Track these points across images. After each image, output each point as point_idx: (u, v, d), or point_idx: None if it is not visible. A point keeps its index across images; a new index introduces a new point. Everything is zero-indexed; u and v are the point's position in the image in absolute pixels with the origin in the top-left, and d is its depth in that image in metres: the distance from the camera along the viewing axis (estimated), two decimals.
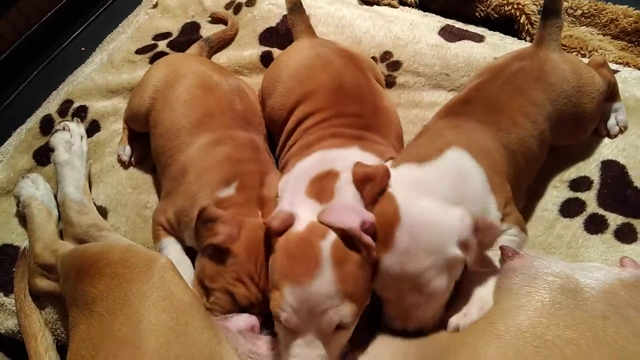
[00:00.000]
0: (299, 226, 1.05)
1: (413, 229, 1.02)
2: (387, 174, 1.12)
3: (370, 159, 1.23)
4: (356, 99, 1.39)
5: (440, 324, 1.08)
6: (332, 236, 1.02)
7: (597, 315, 0.88)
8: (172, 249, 1.34)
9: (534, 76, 1.34)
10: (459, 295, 1.11)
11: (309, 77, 1.44)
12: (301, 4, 1.74)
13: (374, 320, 1.15)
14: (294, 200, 1.14)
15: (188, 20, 2.08)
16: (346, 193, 1.12)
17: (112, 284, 1.01)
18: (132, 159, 1.65)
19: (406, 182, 1.11)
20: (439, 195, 1.07)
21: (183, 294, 1.03)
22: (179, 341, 0.93)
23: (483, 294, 1.06)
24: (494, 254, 1.12)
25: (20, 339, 1.34)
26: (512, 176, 1.24)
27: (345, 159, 1.21)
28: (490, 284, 1.08)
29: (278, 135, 1.50)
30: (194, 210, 1.23)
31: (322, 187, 1.14)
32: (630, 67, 1.78)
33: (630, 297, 0.90)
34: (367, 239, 1.02)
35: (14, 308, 1.37)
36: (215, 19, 2.05)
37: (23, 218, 1.51)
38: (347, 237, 1.02)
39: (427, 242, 1.01)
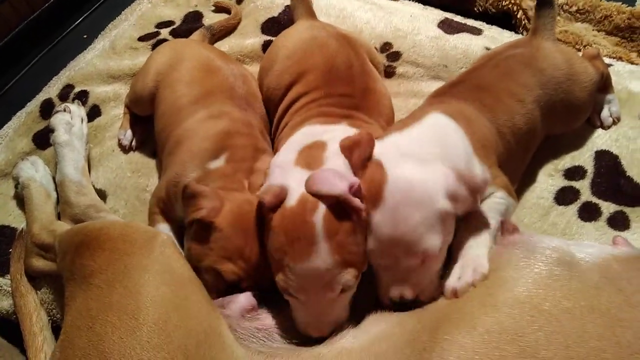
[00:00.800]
0: (291, 200, 1.06)
1: (400, 187, 1.03)
2: (371, 140, 1.13)
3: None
4: (347, 80, 1.41)
5: (437, 296, 1.09)
6: (322, 209, 1.02)
7: (591, 285, 0.90)
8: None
9: (524, 61, 1.38)
10: (452, 260, 1.11)
11: (303, 58, 1.47)
12: None
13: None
14: (284, 172, 1.14)
15: (191, 9, 2.10)
16: (335, 160, 1.13)
17: (112, 257, 1.01)
18: (133, 143, 1.66)
19: (390, 148, 1.12)
20: (422, 154, 1.08)
21: (183, 269, 1.04)
22: (178, 313, 0.93)
23: (477, 254, 1.07)
24: (490, 218, 1.15)
25: (14, 320, 1.33)
26: (503, 153, 1.26)
27: (332, 132, 1.23)
28: (483, 245, 1.09)
29: (274, 115, 1.53)
30: (183, 180, 1.25)
31: (311, 155, 1.15)
32: (623, 61, 1.81)
33: (623, 269, 0.93)
34: (356, 202, 1.03)
35: (9, 289, 1.37)
36: (219, 8, 2.08)
37: (21, 200, 1.52)
38: (337, 204, 1.03)
39: (415, 197, 1.02)
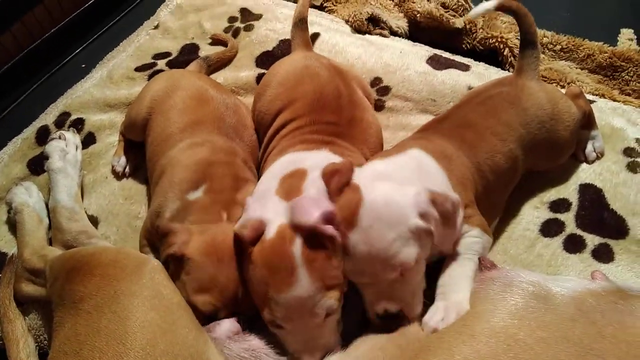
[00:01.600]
0: (270, 232, 1.09)
1: (374, 207, 1.07)
2: (351, 167, 1.17)
3: (338, 161, 1.27)
4: (334, 109, 1.45)
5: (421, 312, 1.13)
6: (299, 239, 1.06)
7: (566, 317, 0.93)
8: None
9: (508, 100, 1.42)
10: (436, 299, 1.15)
11: (294, 86, 1.52)
12: (306, 20, 1.85)
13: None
14: (263, 202, 1.17)
15: (187, 42, 2.16)
16: (312, 189, 1.16)
17: (102, 283, 1.03)
18: (127, 169, 1.68)
19: (369, 173, 1.17)
20: (398, 178, 1.14)
21: (172, 295, 1.05)
22: (165, 338, 0.95)
23: (460, 299, 1.10)
24: (468, 259, 1.19)
25: (1, 346, 1.33)
26: (481, 188, 1.30)
27: (314, 158, 1.27)
28: (465, 288, 1.12)
29: (263, 139, 1.57)
30: (163, 210, 1.28)
31: (290, 185, 1.19)
32: (605, 98, 1.87)
33: (597, 303, 0.96)
34: (329, 230, 1.06)
35: None
36: (216, 41, 2.13)
37: (12, 225, 1.54)
38: (312, 234, 1.06)
39: (388, 217, 1.06)
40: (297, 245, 1.05)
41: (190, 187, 1.30)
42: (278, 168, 1.28)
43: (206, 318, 1.12)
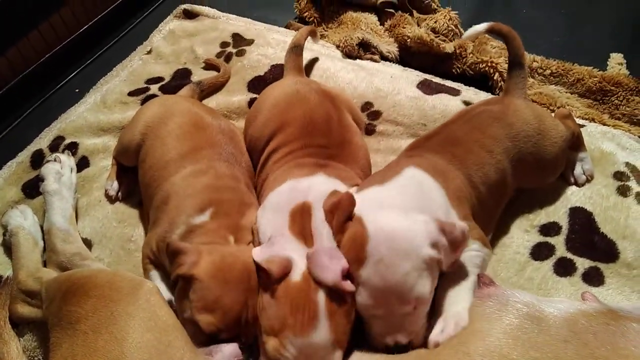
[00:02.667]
0: (296, 275, 1.12)
1: (383, 239, 1.08)
2: (351, 200, 1.18)
3: (335, 183, 1.31)
4: (324, 132, 1.47)
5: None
6: (323, 289, 1.09)
7: (559, 339, 0.95)
8: (157, 283, 1.35)
9: (494, 117, 1.45)
10: (435, 314, 1.15)
11: (285, 111, 1.53)
12: (301, 48, 1.90)
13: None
14: (284, 242, 1.19)
15: (180, 67, 2.18)
16: (322, 234, 1.19)
17: (98, 304, 1.04)
18: (119, 194, 1.69)
19: (370, 203, 1.17)
20: (402, 207, 1.14)
21: (167, 317, 1.06)
22: (161, 359, 0.96)
23: (458, 310, 1.11)
24: (468, 272, 1.20)
25: None
26: (476, 204, 1.32)
27: (315, 187, 1.28)
28: (464, 300, 1.14)
29: (256, 163, 1.59)
30: (169, 236, 1.28)
31: (302, 226, 1.21)
32: (595, 122, 1.90)
33: (590, 325, 0.97)
34: (348, 286, 1.08)
35: None
36: (209, 65, 2.16)
37: (7, 248, 1.54)
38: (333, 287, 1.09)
39: (399, 247, 1.06)
40: (322, 294, 1.08)
41: (197, 211, 1.31)
42: (284, 200, 1.29)
43: (208, 338, 1.13)
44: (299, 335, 1.05)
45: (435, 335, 1.08)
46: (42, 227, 1.54)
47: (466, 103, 1.86)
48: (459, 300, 1.14)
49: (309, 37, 2.02)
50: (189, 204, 1.33)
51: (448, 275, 1.19)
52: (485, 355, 0.94)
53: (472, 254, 1.23)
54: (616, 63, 2.19)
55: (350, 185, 1.33)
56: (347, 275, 1.10)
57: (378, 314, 1.11)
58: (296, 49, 1.88)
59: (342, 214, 1.16)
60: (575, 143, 1.62)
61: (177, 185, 1.39)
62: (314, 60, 2.07)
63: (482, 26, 1.56)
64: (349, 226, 1.14)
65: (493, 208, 1.44)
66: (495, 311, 1.04)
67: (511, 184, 1.45)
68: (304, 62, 1.98)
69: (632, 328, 0.95)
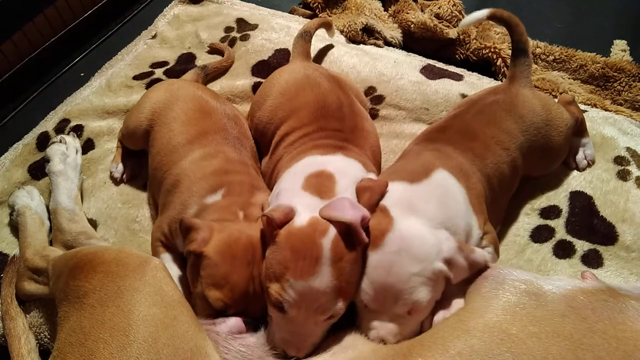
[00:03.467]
0: (300, 220, 1.11)
1: (402, 237, 1.09)
2: (385, 186, 1.19)
3: (353, 164, 1.31)
4: (337, 117, 1.48)
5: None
6: (332, 233, 1.08)
7: (557, 314, 0.96)
8: (169, 266, 1.36)
9: (505, 108, 1.45)
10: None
11: (296, 95, 1.54)
12: (311, 35, 1.91)
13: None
14: (291, 195, 1.20)
15: (184, 51, 2.19)
16: (348, 193, 1.19)
17: (105, 279, 1.05)
18: (124, 176, 1.71)
19: (399, 199, 1.18)
20: (429, 215, 1.14)
21: (173, 292, 1.08)
22: (167, 332, 0.97)
23: (459, 302, 1.13)
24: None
25: (3, 343, 1.35)
26: (489, 199, 1.32)
27: (334, 163, 1.29)
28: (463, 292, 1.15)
29: (264, 146, 1.60)
30: (184, 215, 1.30)
31: (321, 184, 1.21)
32: (597, 108, 1.91)
33: (588, 301, 0.98)
34: (364, 235, 1.08)
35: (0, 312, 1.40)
36: (213, 50, 2.17)
37: (14, 228, 1.57)
38: (345, 233, 1.08)
39: (416, 250, 1.07)
40: (329, 239, 1.07)
41: (209, 192, 1.33)
42: (300, 168, 1.30)
43: (217, 313, 1.15)
44: (299, 279, 1.04)
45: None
46: (48, 208, 1.56)
47: (469, 88, 1.87)
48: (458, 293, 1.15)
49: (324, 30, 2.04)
50: (201, 185, 1.35)
51: None
52: (485, 332, 0.95)
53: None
54: (619, 49, 2.20)
55: (367, 170, 1.34)
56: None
57: (372, 307, 1.12)
58: (306, 35, 1.89)
59: (374, 195, 1.17)
60: (579, 129, 1.63)
61: (188, 168, 1.41)
62: (318, 45, 2.08)
63: (483, 12, 1.55)
64: (376, 213, 1.15)
65: (504, 203, 1.46)
66: (491, 290, 1.05)
67: (519, 177, 1.47)
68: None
69: (630, 305, 0.96)
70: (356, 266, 1.09)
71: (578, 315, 0.95)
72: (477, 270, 1.14)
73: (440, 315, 1.11)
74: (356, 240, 1.08)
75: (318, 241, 1.06)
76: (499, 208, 1.42)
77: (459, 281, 1.13)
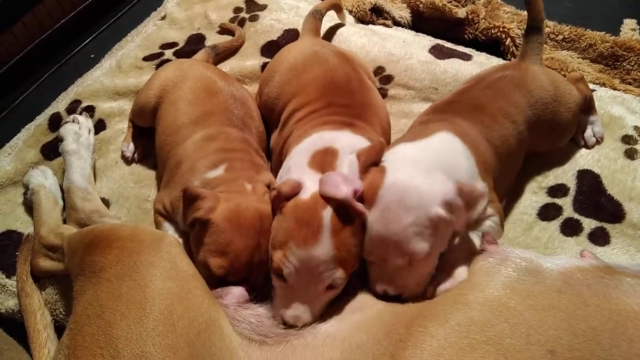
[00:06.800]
0: (305, 194, 1.15)
1: (395, 189, 1.10)
2: (382, 147, 1.21)
3: (361, 141, 1.33)
4: (346, 93, 1.49)
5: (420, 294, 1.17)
6: (331, 207, 1.11)
7: (554, 289, 1.00)
8: (172, 233, 1.40)
9: (514, 83, 1.45)
10: (440, 270, 1.19)
11: (304, 71, 1.55)
12: (322, 14, 1.93)
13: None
14: (299, 171, 1.23)
15: (194, 32, 2.20)
16: (345, 167, 1.22)
17: (121, 255, 1.08)
18: (135, 155, 1.73)
19: (397, 156, 1.20)
20: (426, 165, 1.14)
21: (187, 267, 1.11)
22: (182, 305, 1.00)
23: (463, 272, 1.15)
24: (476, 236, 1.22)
25: (19, 319, 1.38)
26: (497, 171, 1.33)
27: (341, 139, 1.31)
28: (467, 261, 1.17)
29: (272, 122, 1.62)
30: None
31: (324, 160, 1.24)
32: (606, 87, 1.91)
33: (585, 278, 1.02)
34: (359, 206, 1.10)
35: (15, 289, 1.42)
36: (224, 30, 2.18)
37: (28, 207, 1.59)
38: (342, 206, 1.11)
39: (408, 200, 1.08)
40: (329, 211, 1.10)
41: (209, 168, 1.35)
42: (307, 145, 1.32)
43: (216, 281, 1.18)
44: (301, 247, 1.08)
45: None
46: (61, 187, 1.59)
47: (478, 68, 1.86)
48: (465, 264, 1.17)
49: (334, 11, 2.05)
50: (202, 164, 1.37)
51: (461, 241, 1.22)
52: (485, 305, 0.98)
53: (490, 224, 1.26)
54: (629, 29, 2.19)
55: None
56: (361, 200, 1.13)
57: (373, 260, 1.16)
58: (317, 13, 1.91)
59: (370, 157, 1.19)
60: (587, 106, 1.63)
61: (189, 149, 1.43)
62: (326, 25, 2.08)
63: None
64: (372, 170, 1.17)
65: (509, 178, 1.46)
66: (495, 266, 1.08)
67: (525, 151, 1.47)
68: None
69: (625, 282, 1.00)
70: (356, 237, 1.12)
71: (574, 291, 0.99)
72: (483, 237, 1.18)
73: (445, 285, 1.13)
74: (353, 212, 1.11)
75: (319, 213, 1.10)
76: (504, 184, 1.42)
77: (463, 226, 1.13)
